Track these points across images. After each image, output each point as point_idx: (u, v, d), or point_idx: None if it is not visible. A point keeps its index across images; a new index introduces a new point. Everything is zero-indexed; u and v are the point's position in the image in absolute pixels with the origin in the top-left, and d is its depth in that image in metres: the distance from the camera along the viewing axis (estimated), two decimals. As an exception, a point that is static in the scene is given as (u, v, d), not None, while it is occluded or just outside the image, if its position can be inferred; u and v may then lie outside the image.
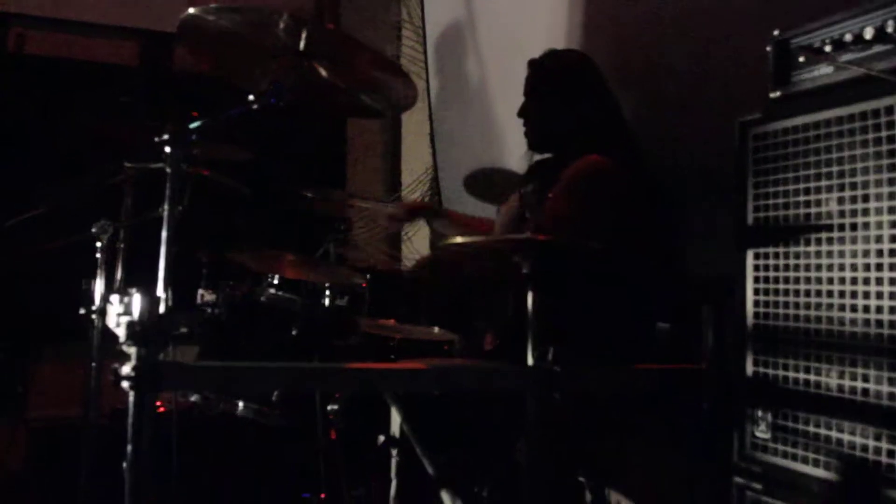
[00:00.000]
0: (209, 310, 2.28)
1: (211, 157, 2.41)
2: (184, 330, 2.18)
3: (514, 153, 3.21)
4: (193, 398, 2.25)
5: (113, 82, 3.91)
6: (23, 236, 2.62)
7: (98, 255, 2.19)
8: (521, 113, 2.45)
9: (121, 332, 1.37)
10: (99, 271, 2.16)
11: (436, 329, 2.25)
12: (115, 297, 1.45)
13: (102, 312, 2.10)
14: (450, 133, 3.83)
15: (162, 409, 2.17)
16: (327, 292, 2.62)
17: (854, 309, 1.49)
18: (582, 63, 2.42)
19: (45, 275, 3.06)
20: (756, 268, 1.68)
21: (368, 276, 2.69)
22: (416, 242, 4.29)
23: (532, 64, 2.43)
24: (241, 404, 2.19)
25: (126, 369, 1.34)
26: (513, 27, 3.34)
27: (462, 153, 3.72)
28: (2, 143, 3.64)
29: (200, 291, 2.30)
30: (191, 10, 1.71)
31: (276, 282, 2.43)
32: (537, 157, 2.60)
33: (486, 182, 3.49)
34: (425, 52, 3.92)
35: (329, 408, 2.28)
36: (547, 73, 2.40)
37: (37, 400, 3.64)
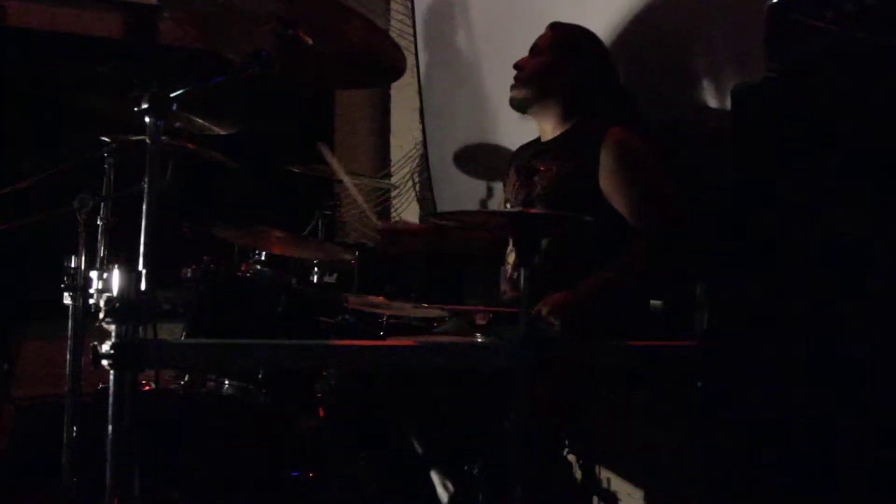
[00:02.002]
0: (193, 286, 2.24)
1: (195, 130, 2.36)
2: (166, 307, 2.15)
3: (505, 128, 3.17)
4: (178, 376, 2.23)
5: (97, 55, 3.84)
6: (4, 211, 2.58)
7: (79, 231, 2.14)
8: (520, 66, 2.45)
9: (100, 309, 1.33)
10: (80, 247, 2.12)
11: (425, 305, 2.22)
12: (94, 274, 1.42)
13: (83, 289, 2.05)
14: (439, 108, 3.78)
15: (147, 388, 2.13)
16: (316, 269, 2.59)
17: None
18: (597, 40, 2.48)
19: (30, 251, 3.01)
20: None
21: (357, 252, 2.66)
22: (406, 218, 4.25)
23: (556, 25, 2.48)
24: (226, 382, 2.16)
25: (105, 347, 1.30)
26: (507, 1, 3.28)
27: (452, 128, 3.67)
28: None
29: (184, 268, 2.26)
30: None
31: (262, 258, 2.39)
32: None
33: (476, 157, 3.46)
34: (414, 26, 3.86)
35: (317, 386, 2.26)
36: (569, 37, 2.45)
37: (23, 378, 3.61)
